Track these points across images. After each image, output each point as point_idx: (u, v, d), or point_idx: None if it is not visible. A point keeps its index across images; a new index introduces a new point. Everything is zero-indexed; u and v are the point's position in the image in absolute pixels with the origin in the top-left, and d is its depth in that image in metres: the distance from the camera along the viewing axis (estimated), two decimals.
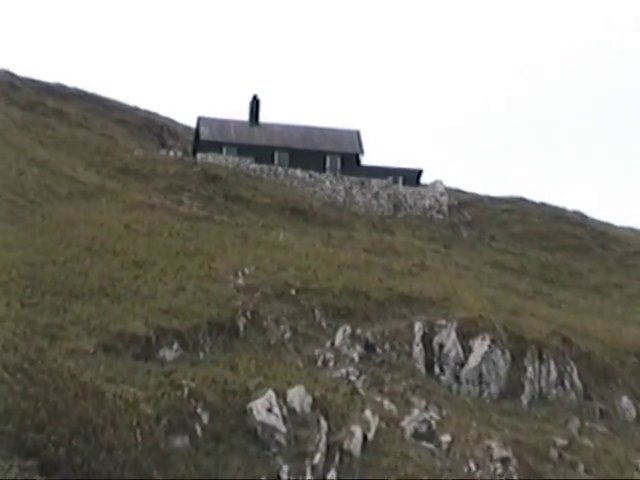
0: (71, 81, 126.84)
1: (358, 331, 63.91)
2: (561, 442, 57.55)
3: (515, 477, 53.95)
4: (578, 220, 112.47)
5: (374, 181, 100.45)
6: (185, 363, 56.78)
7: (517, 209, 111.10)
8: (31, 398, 43.94)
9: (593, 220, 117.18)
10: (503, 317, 66.43)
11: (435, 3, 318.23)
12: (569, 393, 63.57)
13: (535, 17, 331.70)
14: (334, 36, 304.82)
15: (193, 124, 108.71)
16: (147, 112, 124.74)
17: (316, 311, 65.45)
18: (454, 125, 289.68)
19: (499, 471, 54.44)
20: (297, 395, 55.05)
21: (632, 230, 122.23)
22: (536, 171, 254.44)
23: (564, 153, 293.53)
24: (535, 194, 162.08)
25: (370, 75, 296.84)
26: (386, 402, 56.68)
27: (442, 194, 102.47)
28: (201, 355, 58.28)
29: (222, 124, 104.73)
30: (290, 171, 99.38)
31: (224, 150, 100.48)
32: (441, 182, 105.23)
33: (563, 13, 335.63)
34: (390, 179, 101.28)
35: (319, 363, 60.37)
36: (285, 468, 50.57)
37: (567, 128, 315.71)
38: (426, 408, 57.43)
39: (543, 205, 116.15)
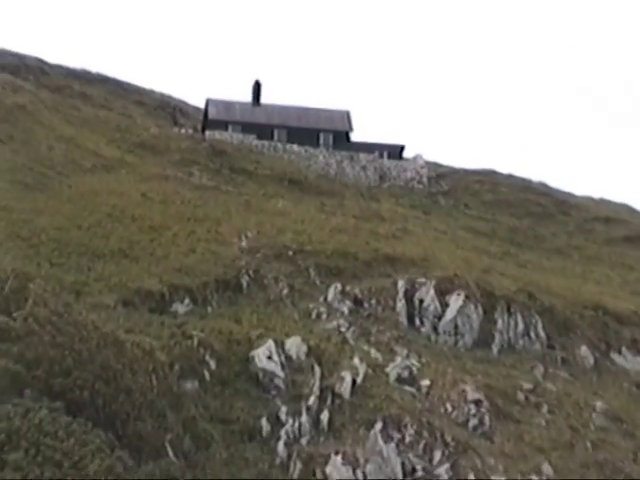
0: (95, 67, 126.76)
1: (348, 288, 64.77)
2: (527, 386, 58.09)
3: (486, 417, 54.40)
4: (542, 190, 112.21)
5: (362, 155, 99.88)
6: (195, 316, 57.84)
7: (488, 180, 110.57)
8: (59, 347, 44.58)
9: (556, 190, 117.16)
10: (476, 275, 66.80)
11: None
12: (534, 343, 63.77)
13: None
14: (327, 28, 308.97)
15: (202, 105, 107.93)
16: (162, 94, 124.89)
17: (310, 270, 66.20)
18: (435, 104, 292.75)
19: (472, 411, 55.12)
20: (294, 344, 56.10)
21: (590, 199, 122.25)
22: (506, 145, 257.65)
23: (531, 129, 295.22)
24: (504, 167, 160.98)
25: (359, 61, 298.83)
26: (372, 351, 57.12)
27: (422, 167, 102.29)
28: (209, 309, 59.14)
29: (228, 105, 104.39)
30: (288, 146, 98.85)
31: (229, 128, 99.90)
32: (421, 156, 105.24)
33: None
34: (376, 154, 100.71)
35: (313, 316, 60.83)
36: (283, 409, 51.81)
37: (536, 105, 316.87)
38: (408, 356, 57.91)
39: (511, 177, 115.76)
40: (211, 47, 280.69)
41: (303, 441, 51.75)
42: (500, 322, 63.88)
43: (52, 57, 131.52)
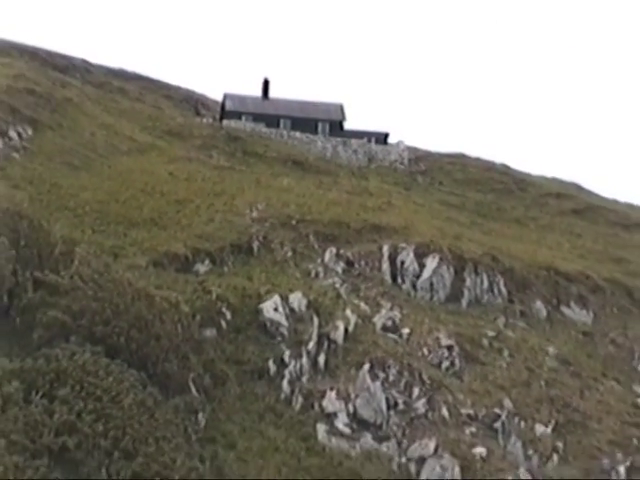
0: (131, 66, 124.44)
1: (341, 251, 64.71)
2: (491, 334, 58.37)
3: (457, 360, 54.98)
4: (504, 170, 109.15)
5: (353, 141, 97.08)
6: (213, 275, 58.23)
7: (459, 162, 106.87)
8: (99, 300, 45.95)
9: (515, 170, 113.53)
10: (448, 242, 66.05)
11: None
12: (497, 298, 63.66)
13: None
14: (325, 31, 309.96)
15: (220, 98, 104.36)
16: (187, 90, 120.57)
17: (310, 236, 65.50)
18: (415, 95, 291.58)
19: (445, 355, 55.71)
20: (296, 298, 56.45)
21: (544, 177, 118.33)
22: (474, 132, 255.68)
23: (497, 116, 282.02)
24: (473, 150, 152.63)
25: (351, 57, 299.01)
26: (362, 304, 57.57)
27: (403, 150, 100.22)
28: (225, 269, 59.09)
29: (242, 99, 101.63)
30: (291, 133, 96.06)
31: (243, 118, 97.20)
32: (403, 142, 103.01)
33: None
34: (365, 139, 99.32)
35: (312, 275, 60.99)
36: (287, 352, 52.44)
37: (501, 94, 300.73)
38: (391, 309, 58.19)
39: (478, 159, 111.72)
40: (227, 48, 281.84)
41: (304, 379, 52.43)
42: (468, 280, 63.90)
43: (95, 58, 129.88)
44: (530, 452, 53.34)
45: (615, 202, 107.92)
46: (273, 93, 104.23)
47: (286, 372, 53.11)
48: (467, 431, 53.35)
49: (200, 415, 46.42)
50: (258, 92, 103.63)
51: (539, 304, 66.40)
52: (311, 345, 54.82)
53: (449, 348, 56.45)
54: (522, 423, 53.60)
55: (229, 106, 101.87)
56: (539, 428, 53.56)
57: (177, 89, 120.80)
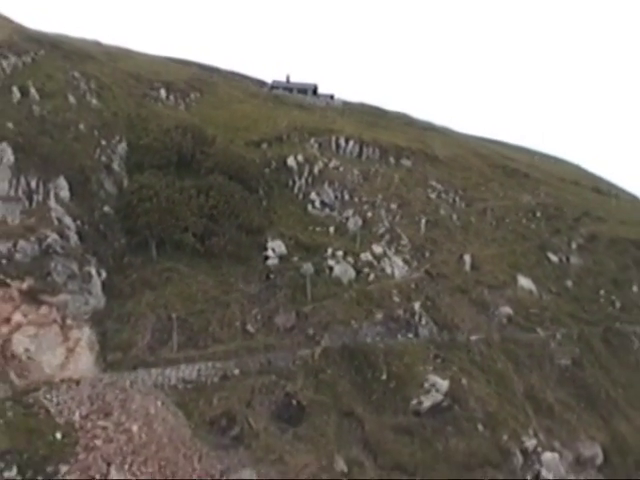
0: (220, 64, 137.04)
1: (319, 139, 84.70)
2: None
3: None
4: (405, 121, 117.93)
5: (321, 96, 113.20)
6: (272, 147, 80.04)
7: (373, 112, 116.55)
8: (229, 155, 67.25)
9: (418, 119, 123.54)
10: (363, 134, 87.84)
11: None
12: None
13: None
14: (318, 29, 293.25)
15: (270, 80, 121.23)
16: (257, 78, 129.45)
17: (305, 134, 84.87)
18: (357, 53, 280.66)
19: None
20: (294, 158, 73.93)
21: (446, 128, 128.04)
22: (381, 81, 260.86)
23: (400, 64, 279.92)
24: (388, 104, 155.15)
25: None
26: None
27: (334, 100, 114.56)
28: (277, 144, 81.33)
29: (278, 82, 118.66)
30: (300, 96, 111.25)
31: (280, 88, 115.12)
32: (334, 95, 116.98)
33: None
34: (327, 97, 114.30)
35: (309, 147, 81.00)
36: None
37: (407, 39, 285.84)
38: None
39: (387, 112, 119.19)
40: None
41: None
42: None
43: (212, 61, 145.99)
44: None
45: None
46: (292, 78, 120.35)
47: None
48: None
49: None
50: (284, 78, 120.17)
51: None
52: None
53: None
54: None
55: (274, 84, 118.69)
56: None
57: (247, 76, 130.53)
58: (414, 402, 55.61)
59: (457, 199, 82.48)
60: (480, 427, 56.03)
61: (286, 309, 59.25)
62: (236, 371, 53.81)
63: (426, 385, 56.25)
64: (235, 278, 60.83)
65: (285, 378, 54.18)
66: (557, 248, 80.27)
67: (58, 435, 46.64)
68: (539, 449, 56.32)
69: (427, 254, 71.08)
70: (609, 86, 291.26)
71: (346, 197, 74.76)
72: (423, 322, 61.57)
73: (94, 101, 70.45)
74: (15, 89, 65.57)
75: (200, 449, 48.85)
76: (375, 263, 65.80)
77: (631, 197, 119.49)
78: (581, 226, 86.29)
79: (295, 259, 63.76)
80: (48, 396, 48.18)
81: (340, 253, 64.92)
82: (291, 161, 76.97)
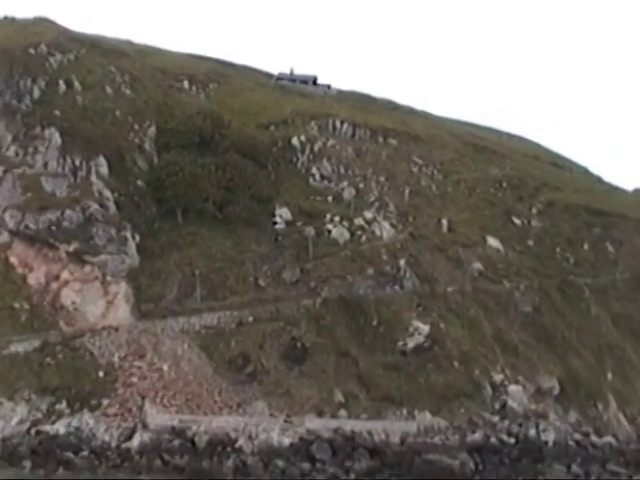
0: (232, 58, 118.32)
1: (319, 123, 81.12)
2: None
3: None
4: (391, 106, 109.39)
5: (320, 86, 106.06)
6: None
7: (364, 98, 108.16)
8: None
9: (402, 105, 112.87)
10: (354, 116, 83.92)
11: None
12: None
13: None
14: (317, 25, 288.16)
15: (276, 72, 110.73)
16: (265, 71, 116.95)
17: (306, 116, 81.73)
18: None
19: None
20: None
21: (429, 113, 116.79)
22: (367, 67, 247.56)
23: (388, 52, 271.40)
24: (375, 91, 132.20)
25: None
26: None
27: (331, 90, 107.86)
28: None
29: (283, 74, 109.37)
30: (302, 85, 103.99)
31: (285, 79, 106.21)
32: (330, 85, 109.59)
33: None
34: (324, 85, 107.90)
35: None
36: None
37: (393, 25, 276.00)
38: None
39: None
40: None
41: None
42: None
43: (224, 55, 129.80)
44: None
45: None
46: (295, 70, 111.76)
47: None
48: None
49: None
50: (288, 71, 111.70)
51: None
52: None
53: None
54: None
55: (280, 76, 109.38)
56: None
57: (257, 69, 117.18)
58: (400, 343, 56.54)
59: (435, 172, 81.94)
60: (456, 364, 56.67)
61: (292, 266, 60.16)
62: (250, 318, 54.89)
63: (410, 329, 57.12)
64: (248, 240, 61.94)
65: (291, 324, 55.26)
66: (520, 213, 79.97)
67: (100, 374, 49.06)
68: (505, 382, 57.08)
69: (410, 219, 71.27)
70: (569, 69, 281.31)
71: (342, 171, 74.05)
72: (407, 276, 62.10)
73: (128, 92, 71.61)
74: (61, 82, 67.20)
75: (220, 384, 50.13)
76: (366, 227, 66.05)
77: (583, 170, 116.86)
78: (540, 194, 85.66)
79: (299, 224, 64.37)
80: (92, 341, 50.37)
81: (337, 218, 65.44)
82: (295, 141, 75.87)
